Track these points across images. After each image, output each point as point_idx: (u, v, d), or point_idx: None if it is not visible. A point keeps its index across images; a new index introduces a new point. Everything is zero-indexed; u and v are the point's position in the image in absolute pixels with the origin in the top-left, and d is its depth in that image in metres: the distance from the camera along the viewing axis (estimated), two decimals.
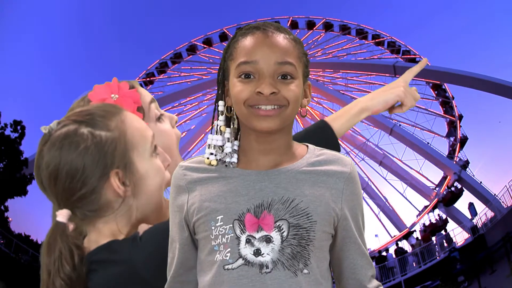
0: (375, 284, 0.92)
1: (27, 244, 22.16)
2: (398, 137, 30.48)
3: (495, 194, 25.18)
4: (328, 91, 32.42)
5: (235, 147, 0.91)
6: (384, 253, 26.33)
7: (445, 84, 33.20)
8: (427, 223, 29.22)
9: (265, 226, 0.82)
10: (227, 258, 0.82)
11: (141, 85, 1.41)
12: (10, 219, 23.63)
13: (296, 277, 0.82)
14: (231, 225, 0.83)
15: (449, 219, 29.05)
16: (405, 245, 26.82)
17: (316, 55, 37.34)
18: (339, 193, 0.89)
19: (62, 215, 1.05)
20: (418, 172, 32.45)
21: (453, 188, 29.34)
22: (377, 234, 32.95)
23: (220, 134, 0.91)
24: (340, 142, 1.27)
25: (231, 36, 0.93)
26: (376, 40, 37.76)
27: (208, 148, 0.91)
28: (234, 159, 0.90)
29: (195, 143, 32.12)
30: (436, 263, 20.62)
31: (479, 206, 25.72)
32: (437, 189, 31.05)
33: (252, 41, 0.85)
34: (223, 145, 0.90)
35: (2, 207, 21.84)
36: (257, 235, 0.82)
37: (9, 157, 21.09)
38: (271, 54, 0.84)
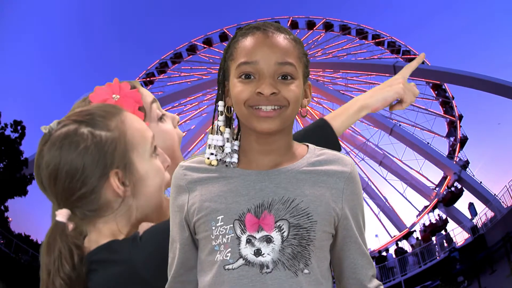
0: (375, 283, 0.92)
1: (27, 244, 22.16)
2: (398, 137, 30.48)
3: (495, 194, 25.19)
4: (328, 91, 32.42)
5: (235, 147, 0.91)
6: (384, 253, 26.34)
7: (445, 84, 33.20)
8: (427, 223, 29.23)
9: (266, 226, 0.82)
10: (228, 258, 0.82)
11: (141, 85, 1.40)
12: (10, 219, 23.66)
13: (297, 277, 0.82)
14: (232, 225, 0.83)
15: (449, 219, 29.06)
16: (405, 245, 26.83)
17: (316, 55, 37.34)
18: (339, 193, 0.89)
19: (62, 215, 1.05)
20: (418, 172, 32.48)
21: (453, 188, 29.33)
22: (377, 234, 33.08)
23: (220, 135, 0.91)
24: (340, 142, 1.27)
25: (231, 36, 0.93)
26: (376, 40, 37.76)
27: (209, 148, 0.91)
28: (235, 159, 0.90)
29: (195, 143, 32.12)
30: (436, 263, 20.62)
31: (479, 206, 25.78)
32: (437, 189, 31.05)
33: (253, 42, 0.85)
34: (224, 145, 0.90)
35: (2, 207, 21.85)
36: (258, 235, 0.82)
37: (9, 157, 21.10)
38: (271, 55, 0.83)
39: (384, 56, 37.19)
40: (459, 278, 17.52)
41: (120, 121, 1.10)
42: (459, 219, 28.47)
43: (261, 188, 0.85)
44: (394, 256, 22.79)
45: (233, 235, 0.83)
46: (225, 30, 39.22)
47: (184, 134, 1.46)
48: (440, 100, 34.22)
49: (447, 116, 33.70)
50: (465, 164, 30.64)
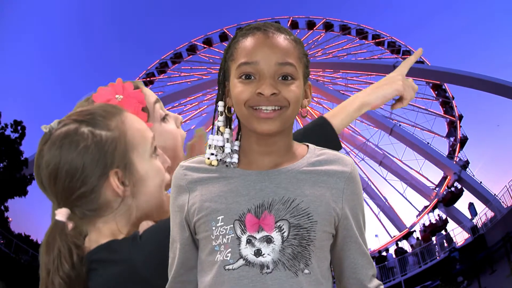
0: (376, 283, 0.92)
1: (27, 244, 22.16)
2: (398, 137, 30.47)
3: (495, 194, 25.18)
4: (328, 91, 32.41)
5: (235, 147, 0.91)
6: (384, 253, 26.34)
7: (445, 84, 33.19)
8: (427, 223, 29.22)
9: (266, 227, 0.82)
10: (228, 258, 0.82)
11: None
12: (10, 219, 23.66)
13: (297, 277, 0.82)
14: (232, 226, 0.83)
15: (449, 219, 29.06)
16: (405, 245, 26.82)
17: (316, 55, 37.32)
18: (339, 192, 0.89)
19: (61, 214, 1.05)
20: (418, 172, 32.48)
21: (453, 188, 29.33)
22: (377, 234, 33.02)
23: (221, 135, 0.91)
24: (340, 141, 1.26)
25: (231, 36, 0.93)
26: (376, 40, 37.74)
27: (209, 148, 0.91)
28: (235, 159, 0.90)
29: None
30: (436, 263, 20.62)
31: (479, 206, 25.77)
32: (437, 189, 31.05)
33: (253, 42, 0.85)
34: (224, 146, 0.90)
35: (2, 207, 21.84)
36: (258, 236, 0.82)
37: (9, 157, 21.10)
38: (271, 55, 0.83)
39: (384, 56, 37.18)
40: (459, 278, 17.52)
41: (121, 121, 1.10)
42: (459, 219, 28.46)
43: (261, 188, 0.85)
44: (394, 256, 22.79)
45: (233, 235, 0.83)
46: (225, 30, 39.20)
47: (184, 134, 1.46)
48: (440, 100, 34.22)
49: (447, 116, 33.70)
50: (465, 164, 30.63)
